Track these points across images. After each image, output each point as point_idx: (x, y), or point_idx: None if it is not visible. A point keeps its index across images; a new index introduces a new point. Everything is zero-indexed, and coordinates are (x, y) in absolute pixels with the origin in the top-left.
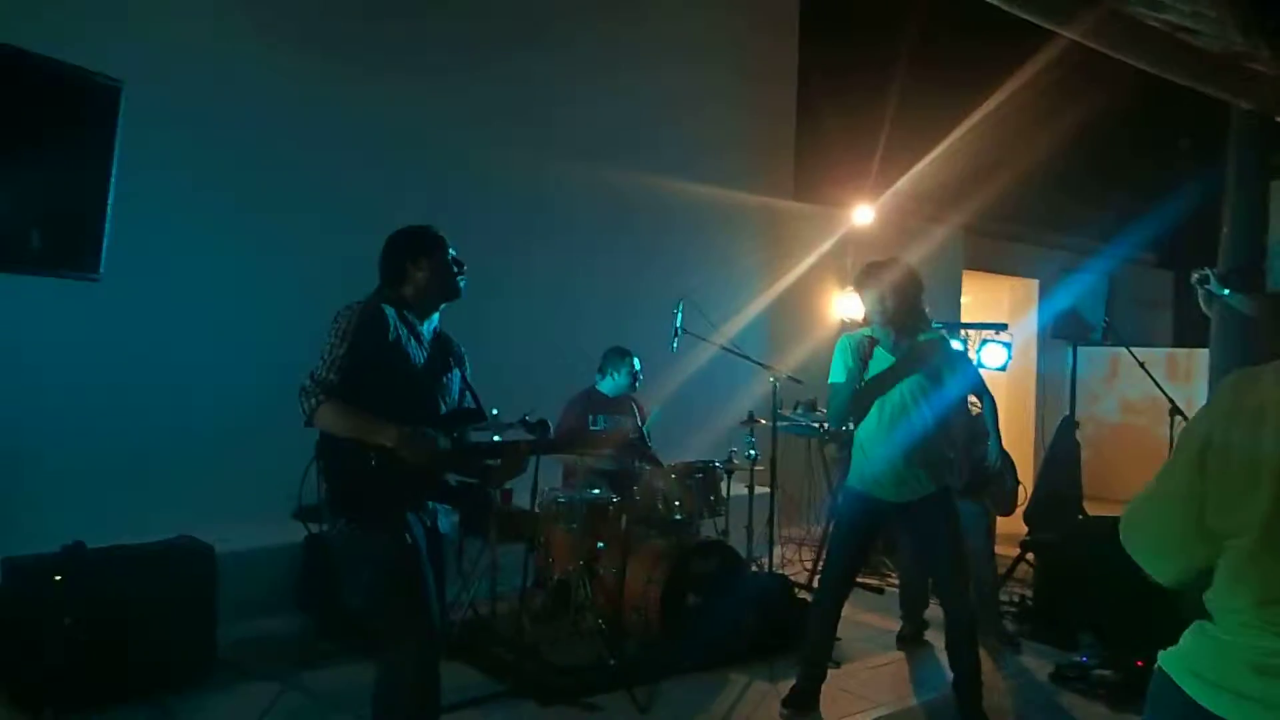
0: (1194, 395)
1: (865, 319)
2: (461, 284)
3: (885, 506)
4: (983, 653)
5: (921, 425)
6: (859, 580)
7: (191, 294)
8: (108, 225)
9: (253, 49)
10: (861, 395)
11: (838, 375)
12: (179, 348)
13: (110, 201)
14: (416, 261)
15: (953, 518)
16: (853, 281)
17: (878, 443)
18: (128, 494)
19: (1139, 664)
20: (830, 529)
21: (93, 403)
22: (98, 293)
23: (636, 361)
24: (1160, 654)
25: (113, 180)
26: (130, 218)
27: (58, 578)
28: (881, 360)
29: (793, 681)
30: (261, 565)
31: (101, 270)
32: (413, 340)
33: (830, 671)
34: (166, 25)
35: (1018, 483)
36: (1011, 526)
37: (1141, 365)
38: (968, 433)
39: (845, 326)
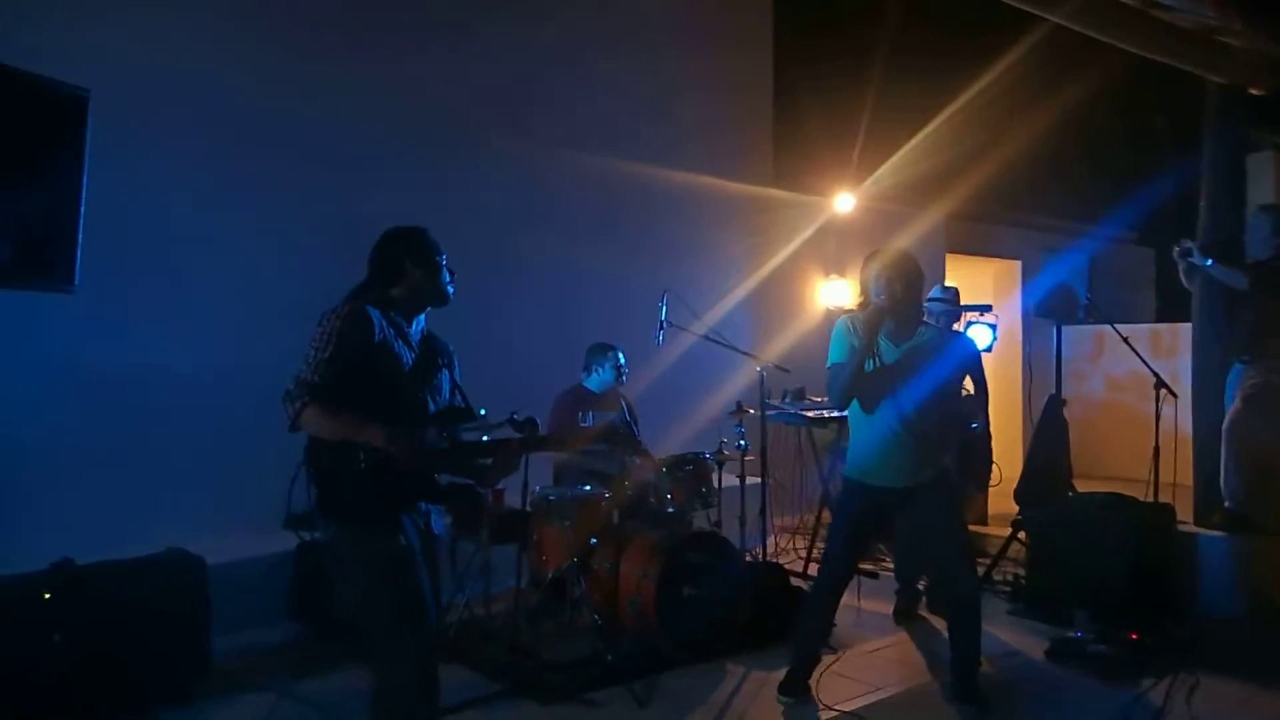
0: (1178, 370)
1: (861, 304)
2: (450, 292)
3: (884, 494)
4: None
5: (917, 411)
6: None
7: (171, 303)
8: (80, 236)
9: (228, 53)
10: (870, 387)
11: (839, 355)
12: (160, 359)
13: (82, 212)
14: (418, 260)
15: (953, 500)
16: (862, 267)
17: (873, 429)
18: (115, 508)
19: (1132, 637)
20: (827, 515)
21: (74, 418)
22: (73, 305)
23: (620, 355)
24: None
25: (84, 191)
26: (105, 228)
27: (46, 595)
28: (884, 348)
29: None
30: (253, 575)
31: (76, 282)
32: (400, 341)
33: (827, 657)
34: (136, 33)
35: (991, 462)
36: (1002, 505)
37: (1126, 341)
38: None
39: (830, 313)
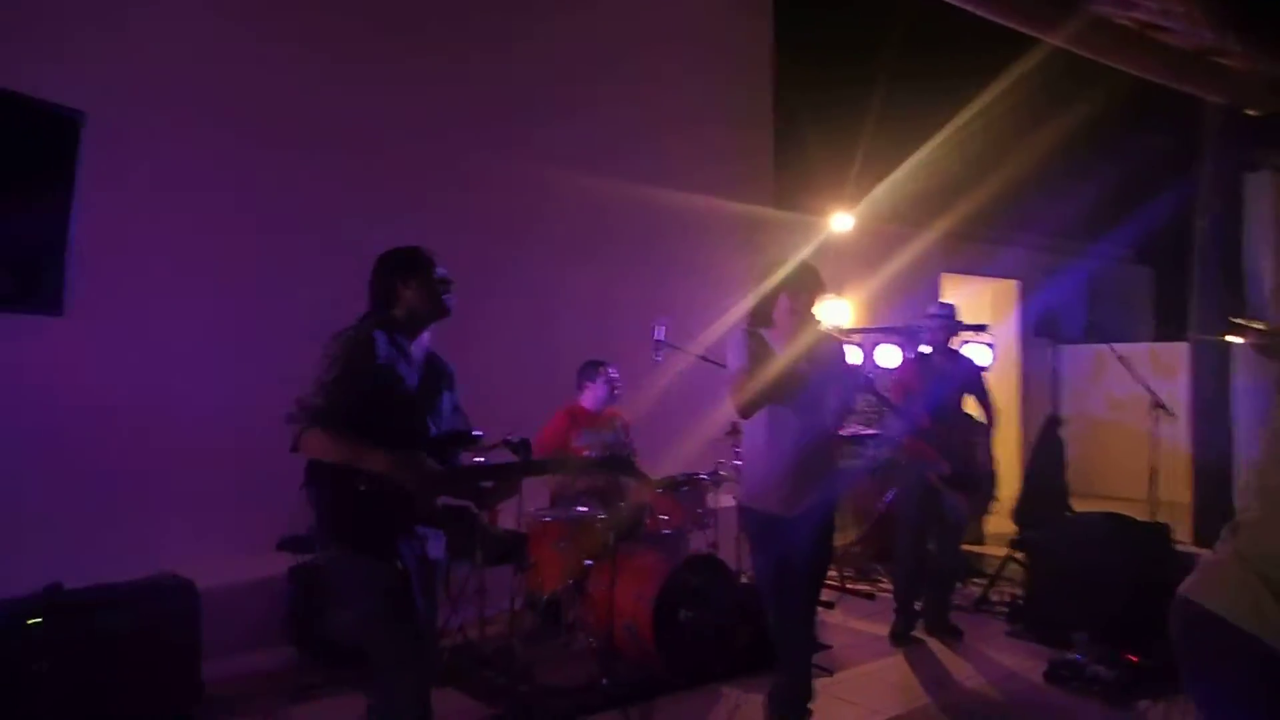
0: (1177, 390)
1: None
2: (450, 303)
3: (774, 520)
4: (975, 652)
5: (810, 432)
6: (849, 587)
7: (162, 326)
8: (70, 260)
9: (223, 76)
10: (765, 392)
11: (741, 360)
12: (151, 381)
13: (72, 236)
14: (406, 281)
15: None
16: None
17: (766, 453)
18: (106, 532)
19: (1131, 659)
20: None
21: (65, 441)
22: (62, 329)
23: (611, 370)
24: None
25: (74, 214)
26: (95, 251)
27: (34, 622)
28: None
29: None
30: (247, 598)
31: (65, 306)
32: (403, 362)
33: (824, 680)
34: (129, 56)
35: (994, 489)
36: (1000, 525)
37: (1122, 361)
38: (965, 432)
39: (826, 333)
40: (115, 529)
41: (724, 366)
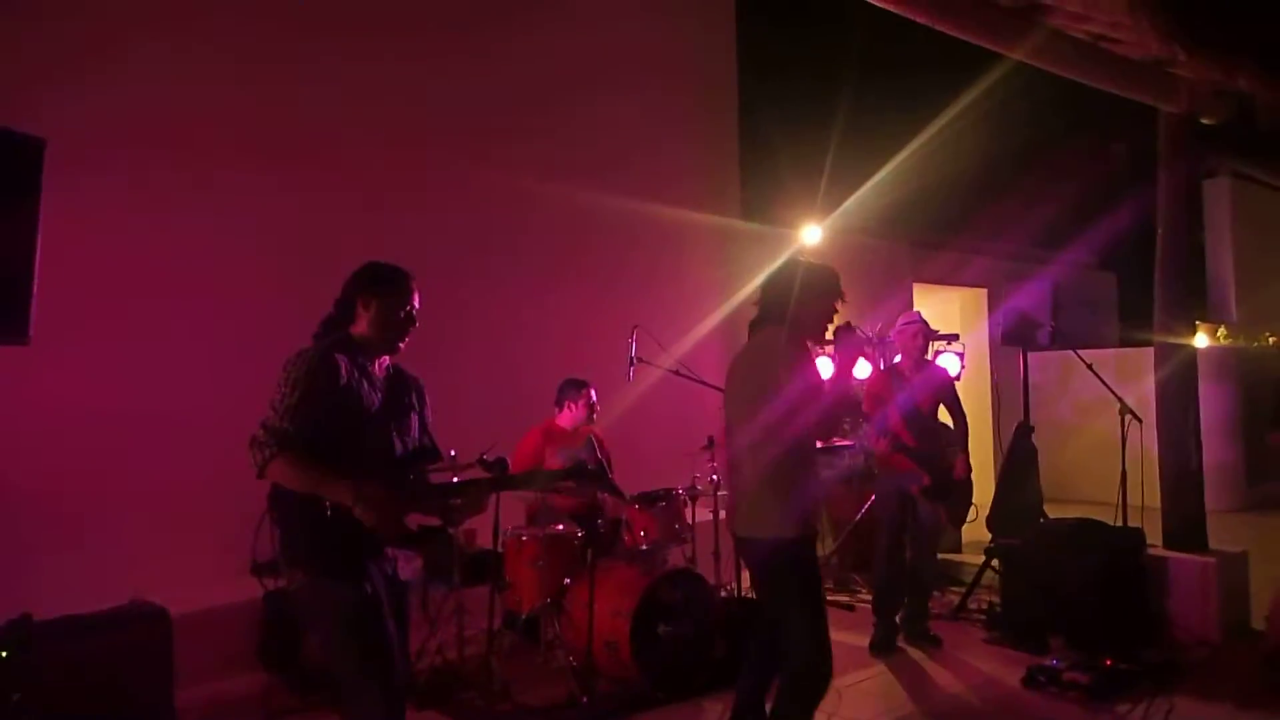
0: (1145, 394)
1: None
2: (400, 345)
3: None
4: (954, 660)
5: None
6: (828, 598)
7: (130, 351)
8: (35, 287)
9: (186, 98)
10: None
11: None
12: (119, 408)
13: (37, 262)
14: (368, 302)
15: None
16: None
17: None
18: (75, 561)
19: (1107, 663)
20: None
21: (31, 469)
22: (27, 357)
23: (592, 392)
24: None
25: (38, 241)
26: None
27: (3, 654)
28: None
29: None
30: (219, 624)
31: (30, 333)
32: (365, 383)
33: None
34: (93, 79)
35: (970, 503)
36: (976, 533)
37: (1089, 367)
38: (939, 442)
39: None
40: (86, 557)
41: (698, 380)
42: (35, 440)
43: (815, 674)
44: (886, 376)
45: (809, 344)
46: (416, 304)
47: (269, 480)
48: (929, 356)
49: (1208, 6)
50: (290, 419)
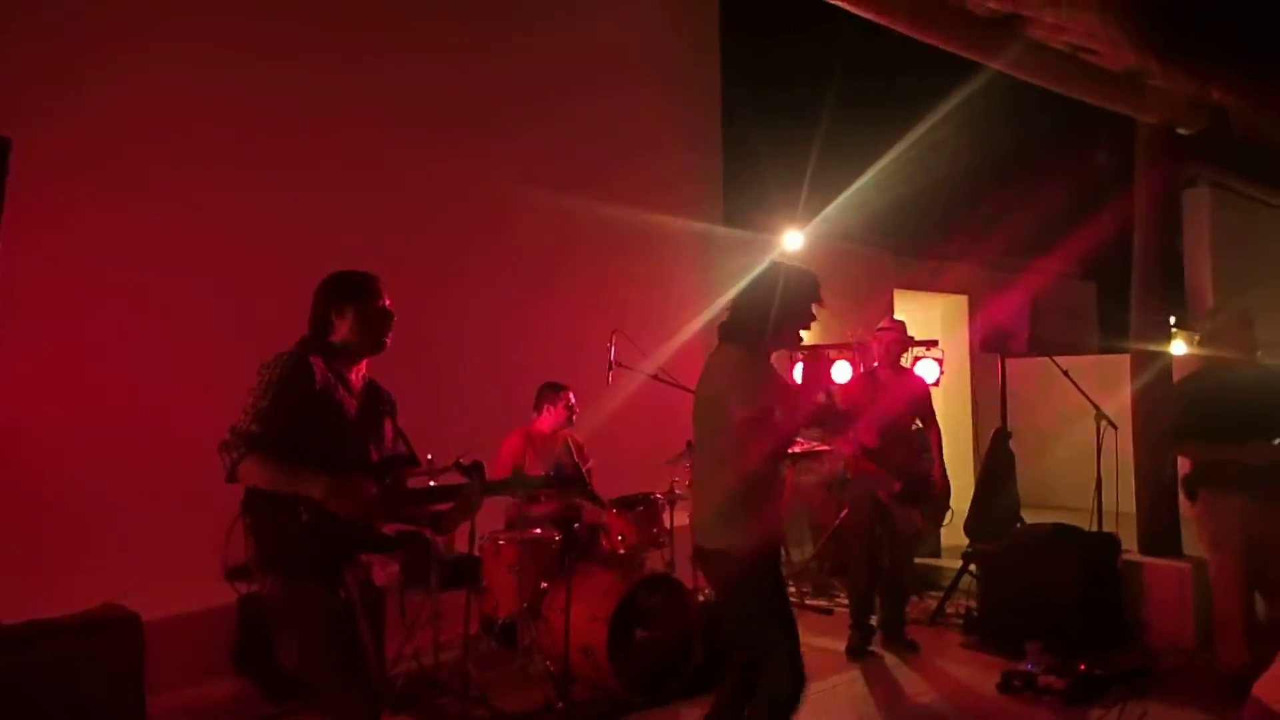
0: (1125, 401)
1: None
2: (386, 340)
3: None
4: (931, 665)
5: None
6: (806, 603)
7: (100, 352)
8: None
9: (160, 91)
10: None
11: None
12: (88, 410)
13: None
14: (341, 311)
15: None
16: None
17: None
18: (45, 565)
19: (1081, 667)
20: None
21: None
22: None
23: (571, 395)
24: None
25: None
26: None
27: None
28: None
29: None
30: (193, 629)
31: None
32: (341, 388)
33: None
34: (58, 78)
35: (948, 506)
36: (954, 538)
37: (1066, 374)
38: (913, 448)
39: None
40: (56, 561)
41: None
42: (2, 443)
43: (787, 695)
44: (863, 382)
45: (784, 350)
46: (388, 301)
47: (241, 483)
48: (906, 364)
49: (1180, 19)
50: (258, 421)
